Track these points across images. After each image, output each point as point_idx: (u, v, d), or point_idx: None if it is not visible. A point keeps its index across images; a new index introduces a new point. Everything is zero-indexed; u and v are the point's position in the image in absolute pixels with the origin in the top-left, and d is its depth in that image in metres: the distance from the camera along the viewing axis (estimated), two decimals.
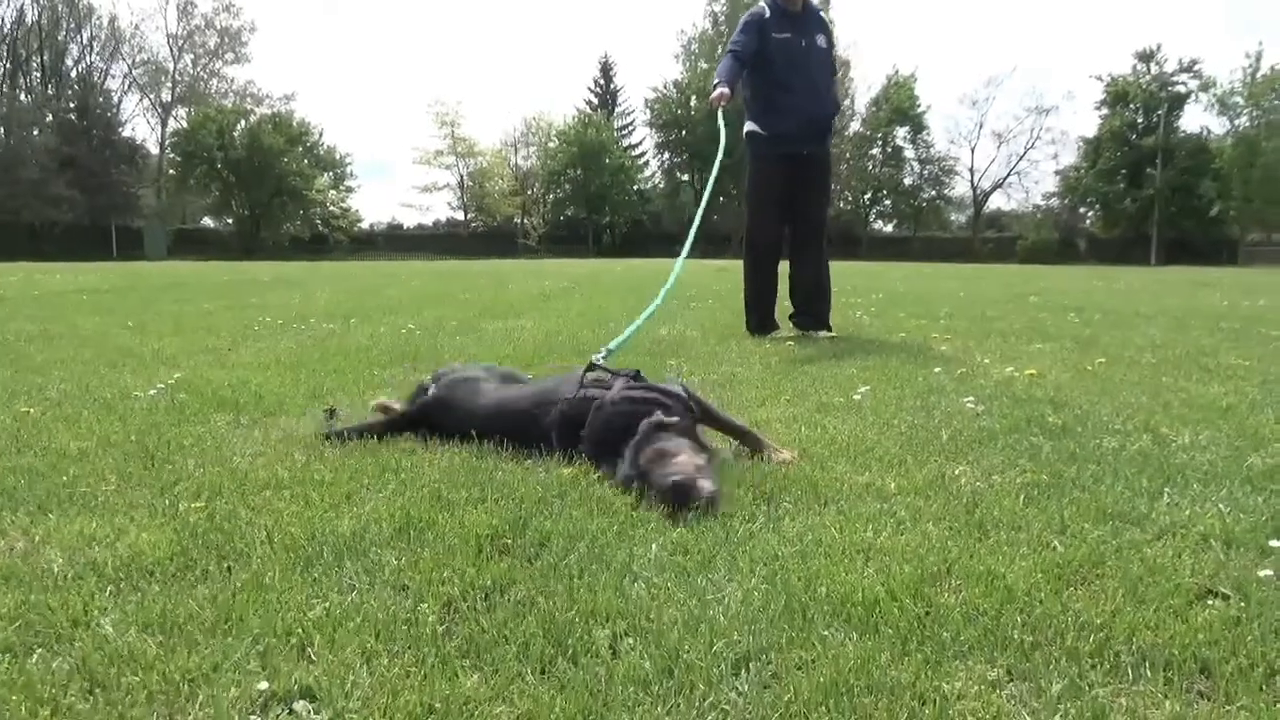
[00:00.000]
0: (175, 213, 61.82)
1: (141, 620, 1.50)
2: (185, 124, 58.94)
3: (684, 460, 2.22)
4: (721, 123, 5.88)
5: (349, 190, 63.03)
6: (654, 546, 1.85)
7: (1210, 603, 1.58)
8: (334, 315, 7.98)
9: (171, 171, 59.12)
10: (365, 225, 66.13)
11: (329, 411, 3.16)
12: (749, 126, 6.02)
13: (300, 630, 1.46)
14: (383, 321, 7.30)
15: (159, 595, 1.60)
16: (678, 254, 5.73)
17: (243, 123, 58.19)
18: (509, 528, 1.94)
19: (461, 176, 67.22)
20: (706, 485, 2.11)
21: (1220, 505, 2.11)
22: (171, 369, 4.50)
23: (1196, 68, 55.70)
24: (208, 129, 55.37)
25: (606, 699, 1.26)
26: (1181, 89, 56.15)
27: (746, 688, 1.30)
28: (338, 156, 62.15)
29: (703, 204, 5.79)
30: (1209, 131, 56.20)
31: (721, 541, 1.89)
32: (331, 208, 61.15)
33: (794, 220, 6.11)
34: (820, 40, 6.02)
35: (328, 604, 1.55)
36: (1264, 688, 1.30)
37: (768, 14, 5.89)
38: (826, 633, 1.46)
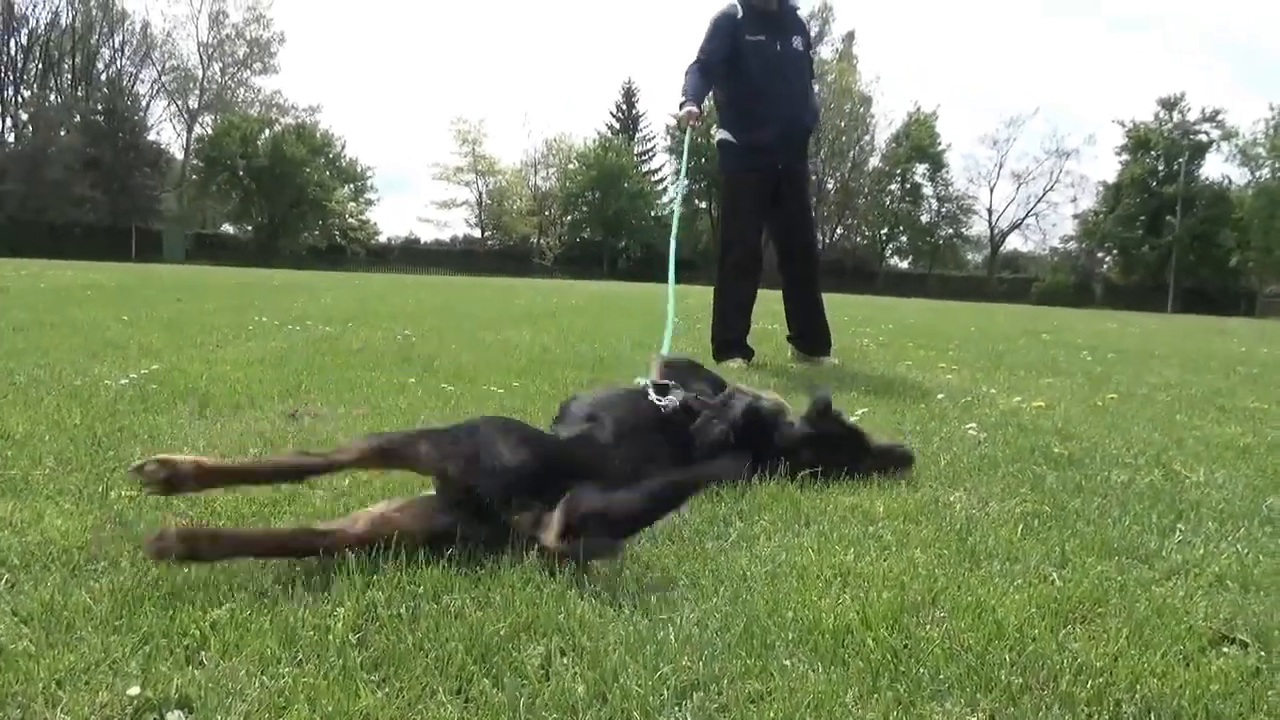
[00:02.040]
0: (195, 218, 62.15)
1: (24, 612, 1.34)
2: (210, 131, 59.39)
3: None
4: (686, 145, 5.67)
5: (368, 203, 63.38)
6: (614, 561, 1.69)
7: (1226, 650, 1.40)
8: (333, 319, 7.86)
9: (194, 177, 59.49)
10: (383, 238, 66.37)
11: (292, 414, 3.02)
12: (721, 135, 5.59)
13: (197, 632, 1.30)
14: (381, 327, 7.18)
15: (54, 586, 1.45)
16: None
17: (267, 132, 58.58)
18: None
19: (480, 194, 67.47)
20: None
21: (1238, 545, 1.93)
22: (151, 361, 4.37)
23: (1219, 117, 55.61)
24: (232, 136, 55.77)
25: None
26: (1204, 138, 56.03)
27: (689, 719, 1.13)
28: (359, 169, 62.51)
29: (674, 231, 5.37)
30: (1230, 181, 56.00)
31: (687, 557, 1.73)
32: (350, 219, 61.39)
33: (781, 240, 5.74)
34: (797, 43, 5.58)
35: (235, 604, 1.39)
36: None
37: (740, 14, 5.43)
38: (788, 662, 1.29)
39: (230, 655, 1.23)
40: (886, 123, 66.68)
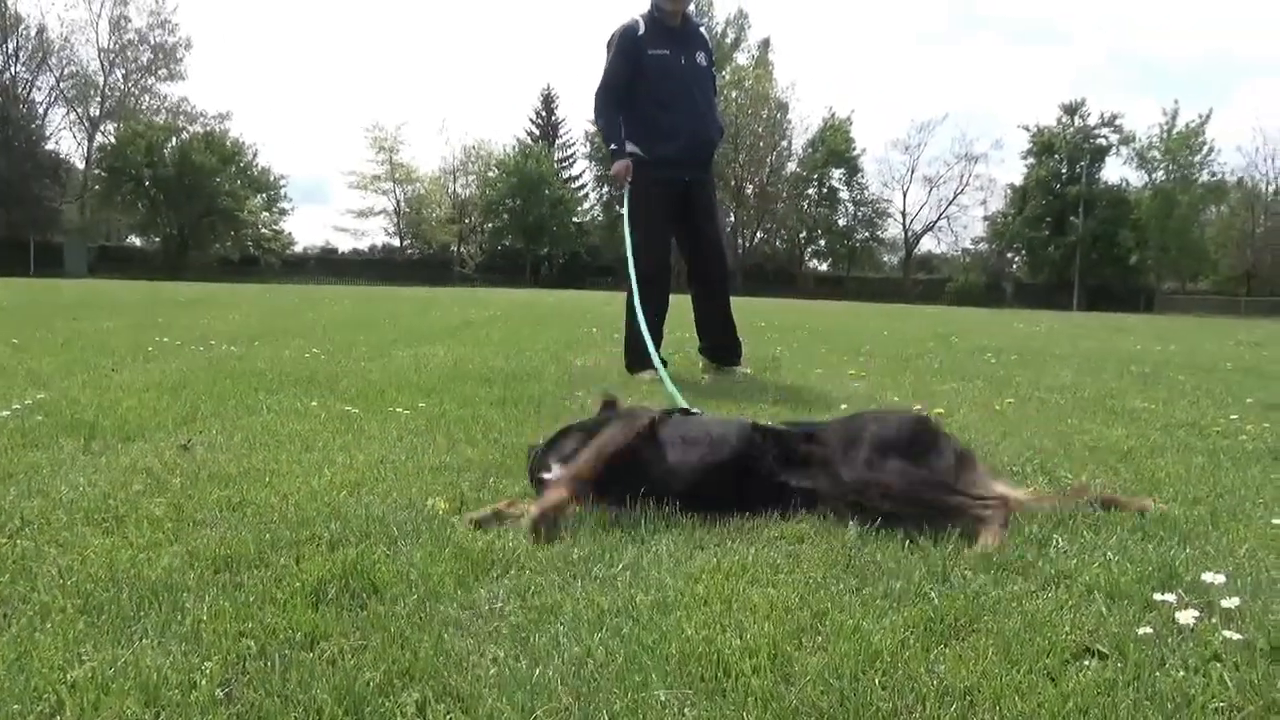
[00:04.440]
0: (99, 229, 59.92)
1: None
2: (113, 139, 57.31)
3: None
4: (628, 201, 5.66)
5: (282, 212, 62.01)
6: (500, 592, 1.68)
7: (1087, 663, 1.46)
8: (239, 337, 7.65)
9: (96, 187, 57.31)
10: (298, 248, 65.08)
11: (185, 445, 2.93)
12: (628, 148, 5.58)
13: (53, 694, 1.25)
14: (289, 345, 7.01)
15: None
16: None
17: (174, 140, 56.84)
18: (342, 571, 1.75)
19: (398, 202, 66.56)
20: None
21: (1109, 553, 2.01)
22: (39, 389, 4.20)
23: (1117, 122, 58.09)
24: (136, 145, 53.93)
25: None
26: (1103, 142, 58.42)
27: None
28: (272, 178, 61.11)
29: (630, 262, 5.45)
30: (1128, 183, 58.51)
31: (573, 588, 1.73)
32: (263, 230, 59.99)
33: (690, 252, 5.81)
34: (700, 58, 5.64)
35: (96, 662, 1.34)
36: None
37: (642, 29, 5.46)
38: (665, 697, 1.30)
39: (88, 719, 1.19)
40: (803, 128, 67.89)
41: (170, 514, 2.14)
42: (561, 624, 1.56)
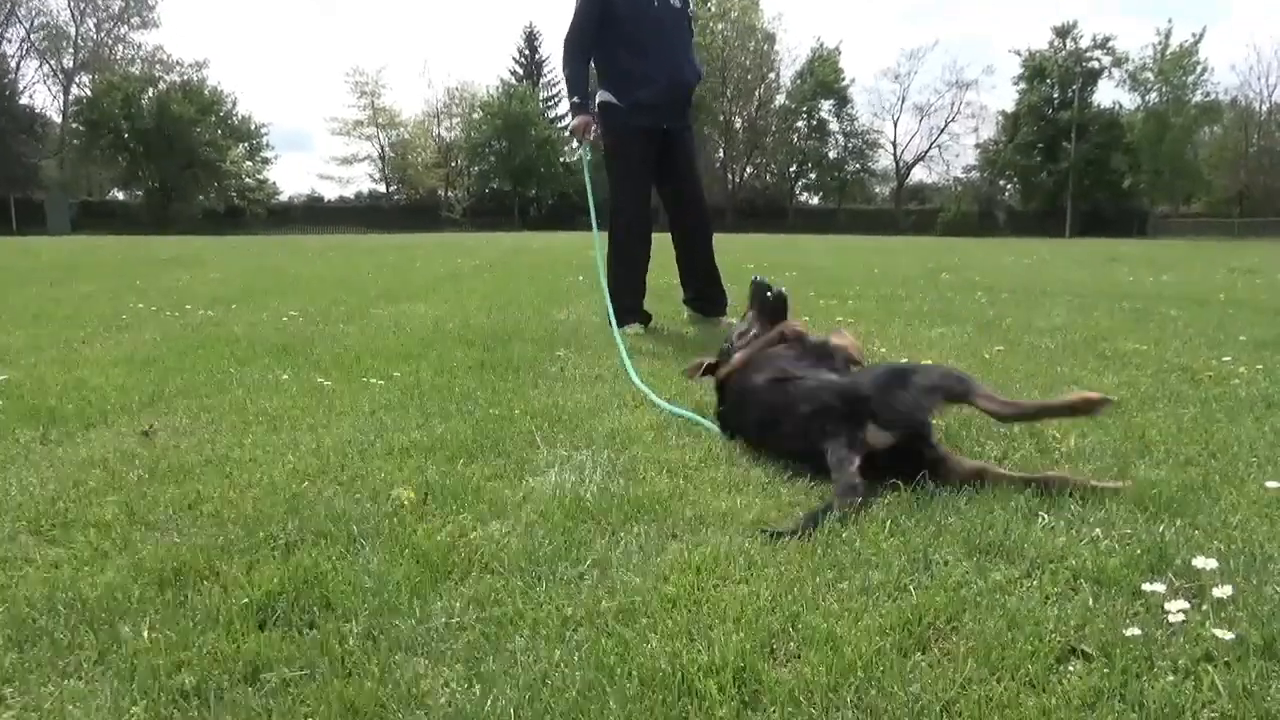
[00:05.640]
0: (80, 184, 58.98)
1: None
2: (89, 92, 56.14)
3: None
4: (587, 162, 5.49)
5: (265, 162, 61.11)
6: (457, 603, 1.60)
7: (1071, 667, 1.39)
8: (217, 300, 7.51)
9: (75, 142, 56.30)
10: (283, 198, 64.19)
11: (146, 431, 2.84)
12: (602, 96, 5.42)
13: None
14: (267, 307, 6.88)
15: None
16: (602, 226, 5.44)
17: (150, 91, 55.71)
18: (294, 583, 1.67)
19: (383, 148, 65.68)
20: None
21: (1097, 531, 1.93)
22: (4, 367, 4.09)
23: (1110, 44, 57.08)
24: (113, 97, 52.90)
25: None
26: (1096, 65, 57.48)
27: None
28: (253, 127, 60.10)
29: (594, 224, 5.42)
30: (1121, 107, 57.78)
31: (535, 592, 1.65)
32: (247, 180, 59.18)
33: (671, 201, 5.66)
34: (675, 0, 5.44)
35: (18, 709, 1.26)
36: None
37: None
38: None
39: None
40: (791, 59, 66.84)
41: (121, 517, 2.05)
42: (520, 638, 1.48)
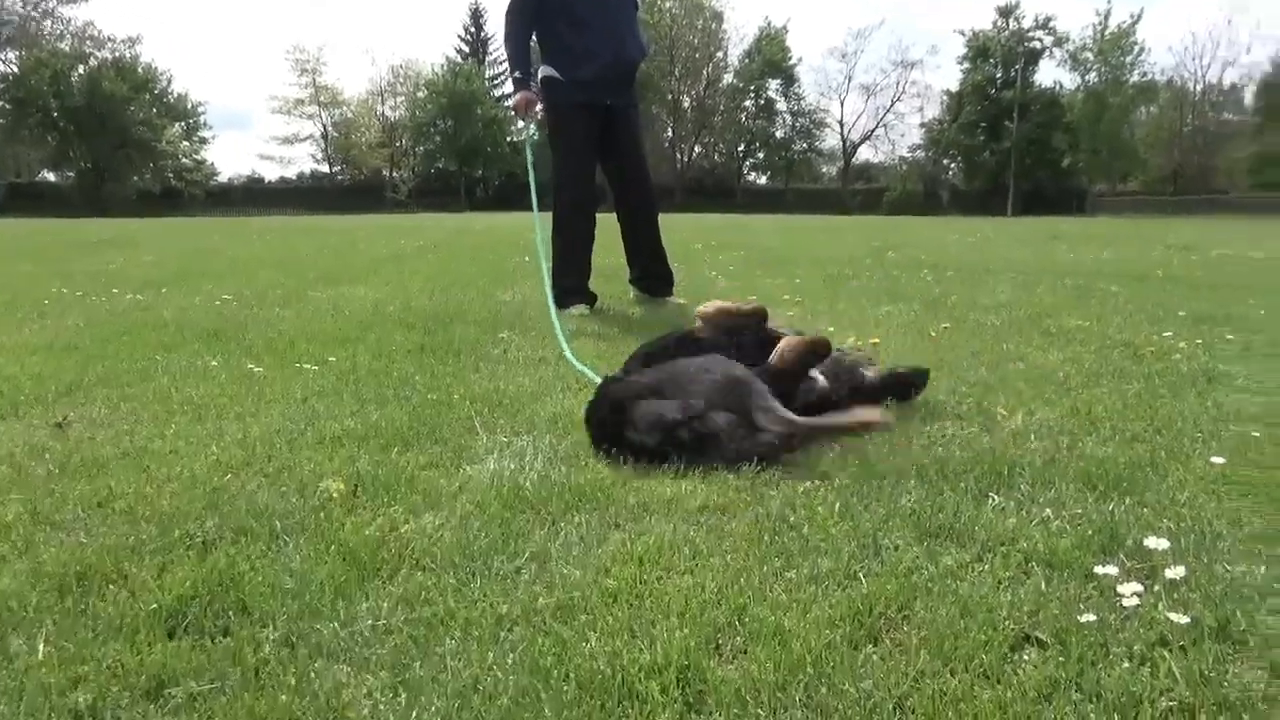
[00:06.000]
0: (7, 165, 56.86)
1: None
2: (15, 69, 54.02)
3: None
4: (530, 142, 5.36)
5: (203, 141, 59.48)
6: (385, 604, 1.50)
7: (1026, 655, 1.34)
8: (148, 283, 7.24)
9: (1, 121, 54.23)
10: (222, 178, 62.62)
11: (60, 423, 2.68)
12: (544, 71, 5.27)
13: None
14: (200, 290, 6.64)
15: None
16: (547, 207, 5.30)
17: (81, 68, 53.86)
18: (209, 585, 1.55)
19: (325, 127, 64.31)
20: None
21: (1047, 511, 1.90)
22: None
23: (1051, 24, 57.84)
24: (41, 74, 51.02)
25: None
26: (1037, 45, 58.25)
27: None
28: (189, 105, 58.45)
29: (535, 205, 5.29)
30: (1061, 86, 58.68)
31: (469, 590, 1.56)
32: (184, 160, 57.57)
33: (616, 179, 5.54)
34: None
35: None
36: None
37: None
38: None
39: None
40: (739, 38, 66.85)
41: (24, 517, 1.91)
42: (451, 640, 1.39)
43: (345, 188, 63.04)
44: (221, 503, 1.99)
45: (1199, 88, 59.39)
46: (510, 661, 1.32)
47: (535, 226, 5.38)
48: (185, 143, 57.81)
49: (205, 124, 59.52)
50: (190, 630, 1.42)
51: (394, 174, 64.31)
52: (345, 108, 64.63)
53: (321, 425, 2.67)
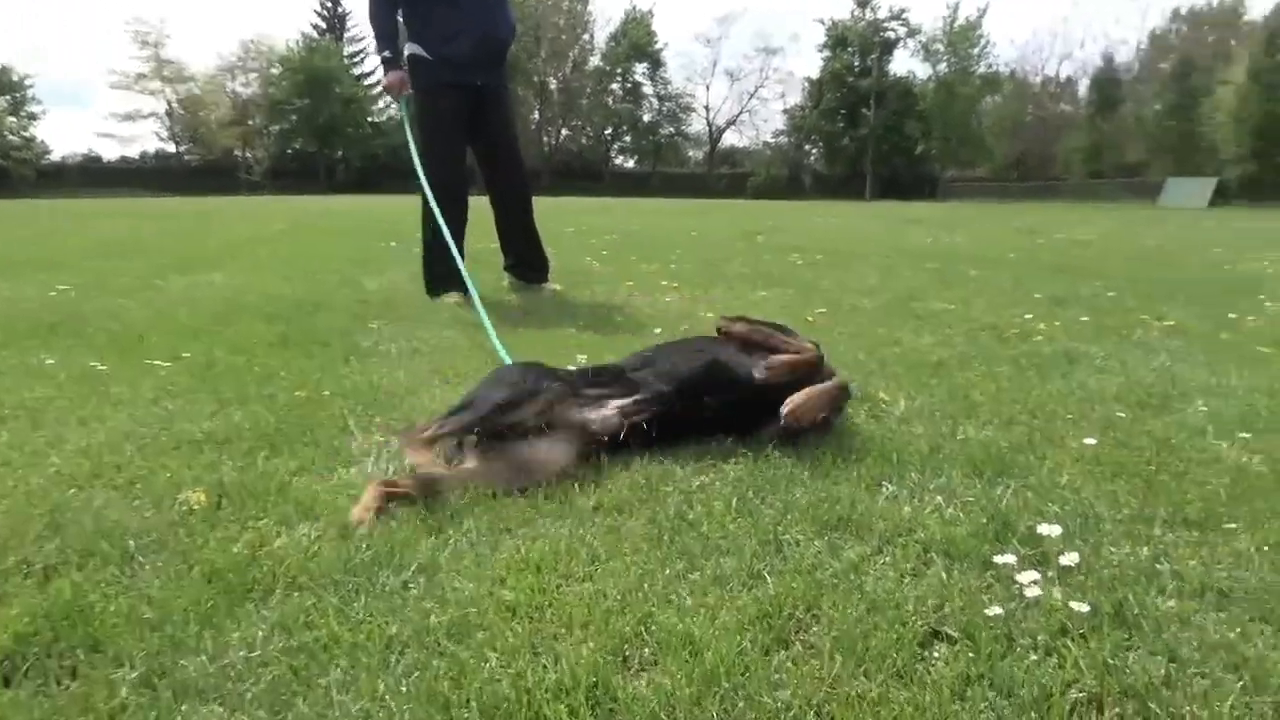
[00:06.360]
0: None
1: None
2: None
3: None
4: (406, 118, 5.12)
5: (31, 118, 55.20)
6: (259, 632, 1.37)
7: (937, 652, 1.33)
8: None
9: None
10: (55, 157, 58.29)
11: None
12: (410, 49, 5.03)
13: None
14: (33, 280, 6.11)
15: None
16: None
17: None
18: (50, 623, 1.38)
19: (170, 104, 60.69)
20: None
21: (939, 499, 1.91)
22: None
23: (904, 15, 60.11)
24: None
25: None
26: (892, 35, 60.41)
27: None
28: (15, 78, 54.10)
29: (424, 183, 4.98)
30: (914, 76, 61.15)
31: (353, 609, 1.44)
32: (11, 137, 53.31)
33: (487, 162, 5.35)
34: None
35: None
36: None
37: None
38: None
39: None
40: (604, 21, 66.74)
41: None
42: (337, 669, 1.27)
43: (194, 168, 59.79)
44: (64, 522, 1.78)
45: (1039, 80, 63.06)
46: (404, 690, 1.21)
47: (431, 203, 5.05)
48: (11, 118, 53.58)
49: (34, 99, 55.33)
50: (31, 675, 1.25)
51: (247, 154, 61.34)
52: (192, 83, 61.24)
53: (177, 429, 2.46)
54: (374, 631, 1.37)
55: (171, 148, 62.01)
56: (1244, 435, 2.40)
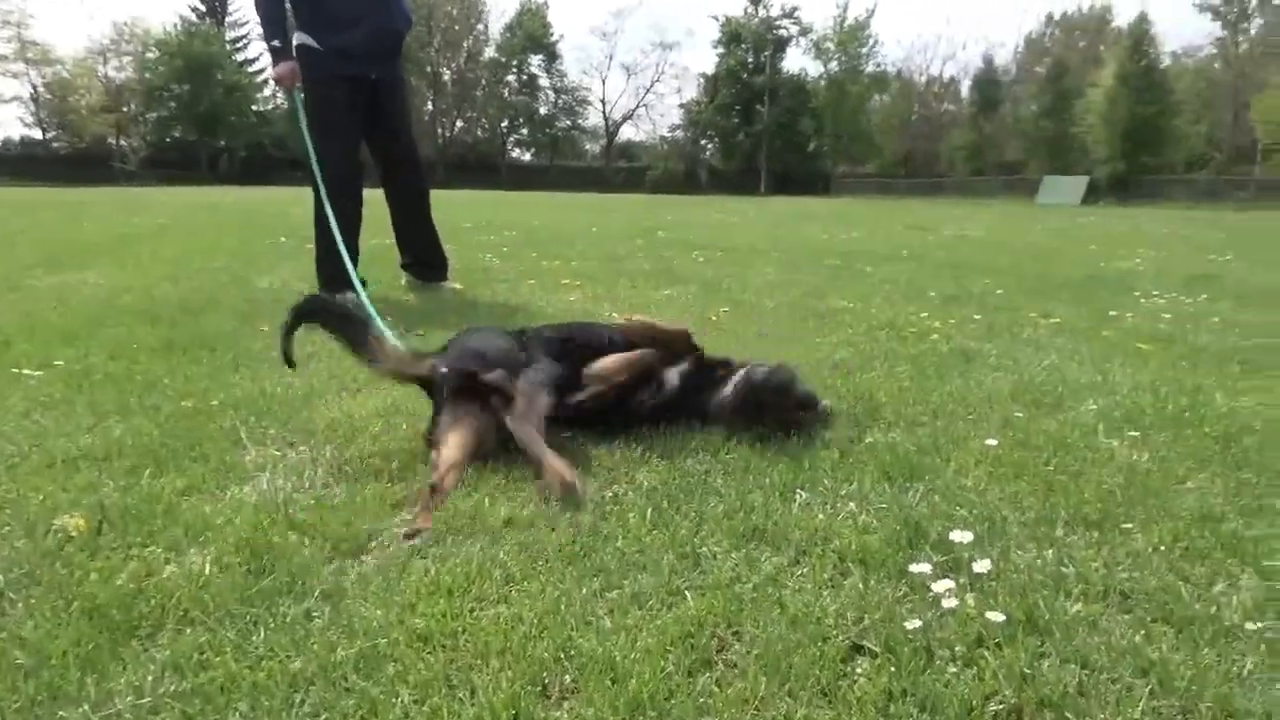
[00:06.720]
0: None
1: None
2: None
3: None
4: (301, 112, 4.90)
5: None
6: (149, 676, 1.27)
7: (859, 667, 1.32)
8: None
9: None
10: None
11: None
12: (299, 38, 4.82)
13: None
14: None
15: None
16: (304, 182, 4.79)
17: None
18: None
19: (35, 88, 57.29)
20: None
21: (852, 505, 1.92)
22: None
23: (796, 14, 61.37)
24: None
25: None
26: (785, 33, 61.62)
27: None
28: None
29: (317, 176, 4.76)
30: (807, 74, 62.51)
31: (251, 643, 1.35)
32: None
33: (383, 157, 5.19)
34: None
35: None
36: None
37: None
38: None
39: None
40: (499, 12, 66.12)
41: None
42: (236, 713, 1.19)
43: (63, 156, 56.59)
44: None
45: (924, 79, 65.21)
46: None
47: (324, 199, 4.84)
48: None
49: None
50: None
51: (122, 142, 58.39)
52: (60, 66, 57.91)
53: (51, 445, 2.29)
54: (276, 669, 1.29)
55: (38, 134, 58.61)
56: (1132, 433, 2.50)
